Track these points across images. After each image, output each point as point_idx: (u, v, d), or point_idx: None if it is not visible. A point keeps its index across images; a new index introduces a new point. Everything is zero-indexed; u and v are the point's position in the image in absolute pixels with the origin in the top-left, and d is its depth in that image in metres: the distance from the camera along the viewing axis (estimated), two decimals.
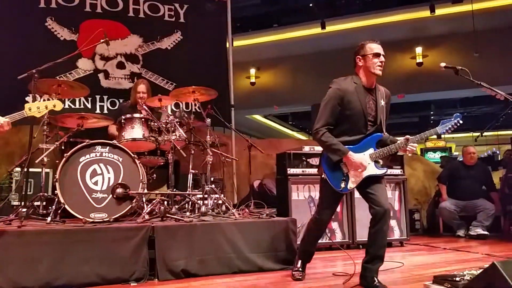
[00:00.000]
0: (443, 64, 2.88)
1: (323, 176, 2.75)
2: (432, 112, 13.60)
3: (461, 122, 2.74)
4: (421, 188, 6.87)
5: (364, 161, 2.63)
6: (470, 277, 2.38)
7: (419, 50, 9.31)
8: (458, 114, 2.75)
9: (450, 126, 2.72)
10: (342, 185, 2.67)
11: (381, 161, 2.71)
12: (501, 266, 1.99)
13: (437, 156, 14.85)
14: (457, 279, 2.43)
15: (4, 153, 5.37)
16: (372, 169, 2.66)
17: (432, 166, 7.49)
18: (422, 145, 16.50)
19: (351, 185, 2.67)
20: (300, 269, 2.99)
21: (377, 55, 2.67)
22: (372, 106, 2.71)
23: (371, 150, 2.68)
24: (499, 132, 15.29)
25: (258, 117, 13.81)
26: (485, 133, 14.47)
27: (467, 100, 11.95)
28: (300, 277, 2.93)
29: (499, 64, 8.52)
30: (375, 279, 2.57)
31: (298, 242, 3.45)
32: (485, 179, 5.84)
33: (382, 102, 2.73)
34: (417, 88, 9.63)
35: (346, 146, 2.64)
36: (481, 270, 2.27)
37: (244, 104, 10.20)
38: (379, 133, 2.72)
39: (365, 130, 2.69)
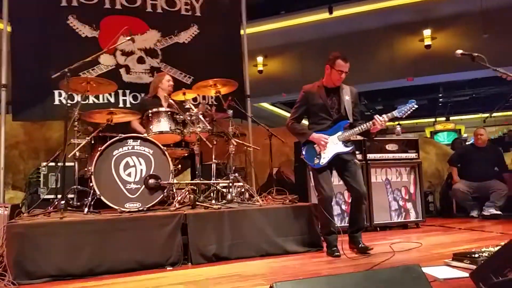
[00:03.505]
0: (459, 51, 2.97)
1: (301, 156, 3.38)
2: (440, 95, 13.55)
3: (416, 106, 3.24)
4: (434, 171, 6.99)
5: (324, 137, 3.25)
6: (489, 254, 2.51)
7: (427, 32, 9.24)
8: (412, 100, 3.25)
9: (405, 110, 3.24)
10: (316, 161, 3.28)
11: (349, 142, 3.29)
12: None
13: (446, 138, 14.89)
14: (476, 255, 2.56)
15: (30, 149, 5.57)
16: (340, 148, 3.26)
17: (444, 149, 7.59)
18: (432, 128, 16.53)
19: (323, 160, 3.26)
20: (334, 248, 3.25)
21: (341, 72, 3.27)
22: (335, 101, 3.34)
23: (339, 133, 3.28)
24: (508, 113, 15.26)
25: (265, 105, 13.85)
26: (494, 114, 14.51)
27: (475, 81, 11.88)
28: (339, 254, 3.19)
29: (508, 45, 8.48)
30: (361, 242, 3.30)
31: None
32: (497, 160, 5.94)
33: (347, 98, 3.34)
34: (426, 71, 9.57)
35: (319, 132, 3.28)
36: (499, 247, 2.41)
37: (252, 92, 10.26)
38: (346, 120, 3.31)
39: (330, 118, 3.32)
